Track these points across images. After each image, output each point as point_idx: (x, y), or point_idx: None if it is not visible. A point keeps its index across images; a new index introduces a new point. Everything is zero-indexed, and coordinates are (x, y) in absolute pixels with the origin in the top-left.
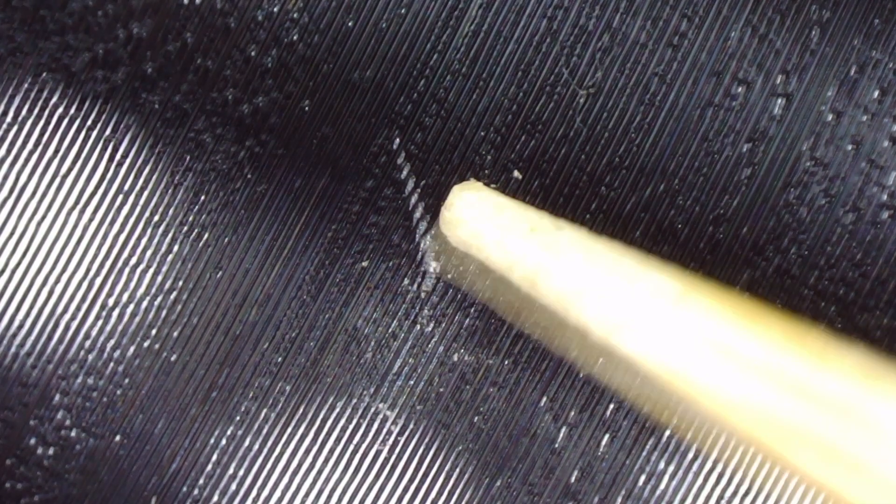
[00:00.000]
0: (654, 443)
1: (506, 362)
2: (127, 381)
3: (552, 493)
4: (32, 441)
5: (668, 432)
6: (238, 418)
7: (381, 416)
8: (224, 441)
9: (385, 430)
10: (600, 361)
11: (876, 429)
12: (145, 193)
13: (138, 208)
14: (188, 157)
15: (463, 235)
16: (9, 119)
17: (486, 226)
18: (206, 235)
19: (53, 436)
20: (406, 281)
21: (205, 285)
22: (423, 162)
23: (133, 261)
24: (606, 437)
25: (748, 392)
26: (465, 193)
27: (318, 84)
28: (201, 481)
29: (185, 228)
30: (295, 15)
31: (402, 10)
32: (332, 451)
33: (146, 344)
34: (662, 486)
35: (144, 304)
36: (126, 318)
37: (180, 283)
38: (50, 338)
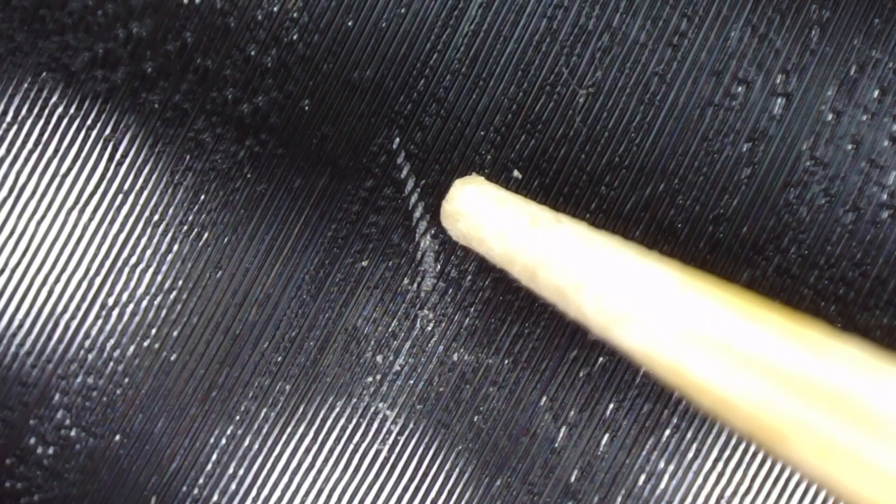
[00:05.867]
0: (653, 442)
1: (506, 362)
2: (127, 380)
3: (552, 492)
4: (32, 440)
5: (667, 431)
6: (238, 418)
7: (380, 415)
8: (224, 440)
9: (385, 430)
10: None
11: (874, 419)
12: (145, 193)
13: (138, 208)
14: (188, 157)
15: (463, 228)
16: (9, 119)
17: (487, 219)
18: (205, 235)
19: (53, 435)
20: (406, 280)
21: (204, 285)
22: (422, 161)
23: (133, 260)
24: (606, 436)
25: (746, 384)
26: (466, 187)
27: (318, 83)
28: (201, 481)
29: (185, 228)
30: (295, 14)
31: (402, 10)
32: (331, 451)
33: (146, 343)
34: (662, 485)
35: (144, 303)
36: (126, 318)
37: (180, 282)
38: (50, 337)
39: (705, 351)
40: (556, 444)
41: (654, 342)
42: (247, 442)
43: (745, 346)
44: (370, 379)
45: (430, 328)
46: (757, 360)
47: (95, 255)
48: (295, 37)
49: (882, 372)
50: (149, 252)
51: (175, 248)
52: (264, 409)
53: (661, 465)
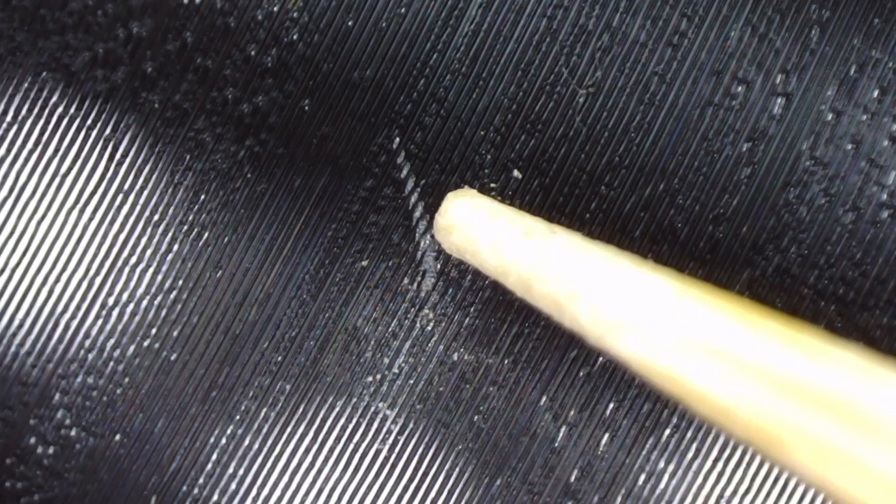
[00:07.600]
0: (653, 442)
1: (506, 361)
2: (127, 380)
3: (552, 492)
4: (32, 440)
5: (667, 431)
6: (238, 417)
7: (380, 415)
8: (224, 440)
9: (385, 430)
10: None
11: (872, 424)
12: (145, 193)
13: (138, 208)
14: (188, 157)
15: (457, 241)
16: (9, 118)
17: (480, 231)
18: (205, 235)
19: (53, 435)
20: (406, 280)
21: (205, 284)
22: (422, 161)
23: (133, 260)
24: (606, 436)
25: (743, 391)
26: (458, 200)
27: (318, 83)
28: (201, 480)
29: (185, 228)
30: (295, 14)
31: (402, 10)
32: (331, 451)
33: (146, 343)
34: (662, 485)
35: (144, 303)
36: (126, 318)
37: (180, 282)
38: (50, 337)
39: (702, 358)
40: (556, 444)
41: (651, 351)
42: (247, 442)
43: (742, 353)
44: (370, 379)
45: (430, 328)
46: (754, 366)
47: (95, 255)
48: (295, 37)
49: (880, 376)
50: (149, 252)
51: (175, 248)
52: (264, 409)
53: (661, 464)
